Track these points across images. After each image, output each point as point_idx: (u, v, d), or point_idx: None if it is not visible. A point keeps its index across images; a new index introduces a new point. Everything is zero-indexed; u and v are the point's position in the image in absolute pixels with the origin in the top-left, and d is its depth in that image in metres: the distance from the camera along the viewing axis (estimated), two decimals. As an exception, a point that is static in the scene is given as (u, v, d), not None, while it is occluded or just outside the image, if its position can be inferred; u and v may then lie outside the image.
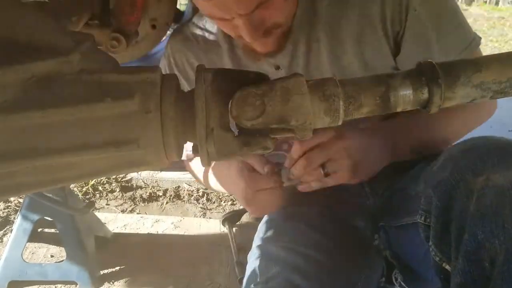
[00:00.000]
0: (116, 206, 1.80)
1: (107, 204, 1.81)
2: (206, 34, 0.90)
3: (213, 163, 0.78)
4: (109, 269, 1.41)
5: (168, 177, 1.86)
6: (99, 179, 1.89)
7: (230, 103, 0.41)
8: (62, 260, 1.35)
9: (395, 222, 0.85)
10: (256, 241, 0.91)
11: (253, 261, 0.84)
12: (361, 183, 0.95)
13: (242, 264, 0.85)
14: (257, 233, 0.95)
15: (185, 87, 0.94)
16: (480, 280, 0.48)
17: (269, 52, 0.82)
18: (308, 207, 0.93)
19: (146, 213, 1.74)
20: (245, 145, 0.42)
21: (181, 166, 1.07)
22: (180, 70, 0.94)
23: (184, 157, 0.57)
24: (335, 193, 0.95)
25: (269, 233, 0.89)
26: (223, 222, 1.56)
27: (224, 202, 1.79)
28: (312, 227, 0.86)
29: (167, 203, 1.80)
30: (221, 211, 1.74)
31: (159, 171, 1.86)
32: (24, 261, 1.33)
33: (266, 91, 0.41)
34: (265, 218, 0.97)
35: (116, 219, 1.65)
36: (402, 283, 0.83)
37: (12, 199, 1.77)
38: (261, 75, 0.45)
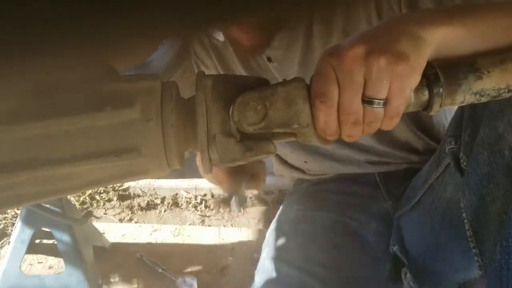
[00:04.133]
0: (114, 215, 1.79)
1: (104, 214, 1.80)
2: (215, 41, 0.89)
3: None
4: (109, 279, 1.40)
5: (166, 185, 1.85)
6: (96, 189, 1.88)
7: (231, 108, 0.41)
8: (61, 272, 1.34)
9: (404, 208, 0.86)
10: (265, 252, 0.90)
11: (262, 278, 0.84)
12: (376, 185, 0.95)
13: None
14: (265, 241, 0.94)
15: None
16: (503, 167, 0.53)
17: (258, 46, 0.78)
18: (320, 212, 0.93)
19: (144, 222, 1.73)
20: (248, 150, 0.42)
21: (180, 173, 1.06)
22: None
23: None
24: (349, 198, 0.95)
25: (279, 246, 0.89)
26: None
27: (223, 209, 1.78)
28: (323, 243, 0.86)
29: (165, 211, 1.79)
30: (219, 218, 1.74)
31: (156, 179, 1.86)
32: (23, 273, 1.32)
33: (267, 95, 0.41)
34: (274, 225, 0.97)
35: (114, 229, 1.64)
36: (411, 283, 0.83)
37: (8, 211, 1.76)
38: (261, 79, 0.45)
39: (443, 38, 0.43)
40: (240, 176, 0.85)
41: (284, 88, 0.42)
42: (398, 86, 0.41)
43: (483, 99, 0.44)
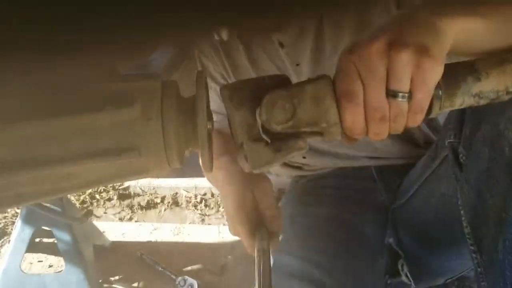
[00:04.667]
0: (114, 214, 1.79)
1: (104, 213, 1.80)
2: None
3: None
4: (109, 278, 1.40)
5: (166, 184, 1.85)
6: (96, 188, 1.88)
7: (258, 107, 0.41)
8: (61, 271, 1.34)
9: (400, 201, 0.86)
10: None
11: None
12: (373, 179, 0.95)
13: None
14: None
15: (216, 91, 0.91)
16: (503, 164, 0.54)
17: (269, 29, 0.77)
18: (318, 206, 0.93)
19: (144, 221, 1.74)
20: (278, 151, 0.41)
21: (180, 172, 1.06)
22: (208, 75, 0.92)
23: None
24: (346, 192, 0.95)
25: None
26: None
27: (223, 208, 1.79)
28: (321, 234, 0.86)
29: (165, 210, 1.79)
30: (219, 217, 1.74)
31: (156, 178, 1.86)
32: (23, 272, 1.32)
33: (295, 93, 0.41)
34: None
35: (114, 228, 1.64)
36: (408, 275, 0.84)
37: (8, 210, 1.76)
38: (280, 75, 0.45)
39: (462, 31, 0.43)
40: (259, 229, 0.81)
41: (312, 86, 0.41)
42: (421, 79, 0.41)
43: (482, 102, 0.44)
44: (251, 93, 0.42)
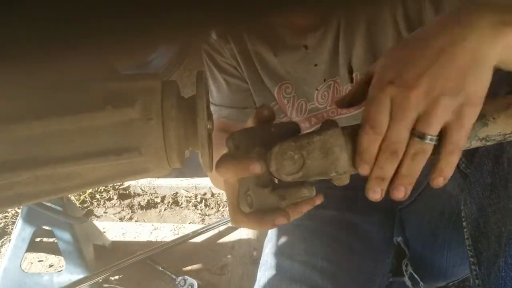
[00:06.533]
0: (114, 214, 1.79)
1: (105, 212, 1.80)
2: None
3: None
4: (109, 278, 1.40)
5: (166, 184, 1.85)
6: (96, 187, 1.88)
7: (268, 157, 0.41)
8: (61, 270, 1.34)
9: (407, 201, 0.87)
10: (268, 249, 0.91)
11: (265, 273, 0.84)
12: None
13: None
14: (267, 238, 0.95)
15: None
16: (503, 179, 0.55)
17: (309, 26, 0.79)
18: (322, 208, 0.93)
19: (144, 221, 1.74)
20: (282, 199, 0.43)
21: (180, 172, 1.06)
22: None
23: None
24: (350, 193, 0.95)
25: (281, 242, 0.89)
26: None
27: (223, 207, 1.79)
28: (325, 236, 0.86)
29: (165, 210, 1.79)
30: (219, 216, 1.74)
31: (157, 178, 1.86)
32: (23, 271, 1.32)
33: (304, 144, 0.41)
34: None
35: (115, 227, 1.64)
36: (412, 274, 0.84)
37: (9, 209, 1.76)
38: (286, 124, 0.46)
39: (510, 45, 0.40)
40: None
41: (320, 137, 0.42)
42: (460, 123, 0.40)
43: (489, 143, 0.44)
44: (257, 141, 0.43)
